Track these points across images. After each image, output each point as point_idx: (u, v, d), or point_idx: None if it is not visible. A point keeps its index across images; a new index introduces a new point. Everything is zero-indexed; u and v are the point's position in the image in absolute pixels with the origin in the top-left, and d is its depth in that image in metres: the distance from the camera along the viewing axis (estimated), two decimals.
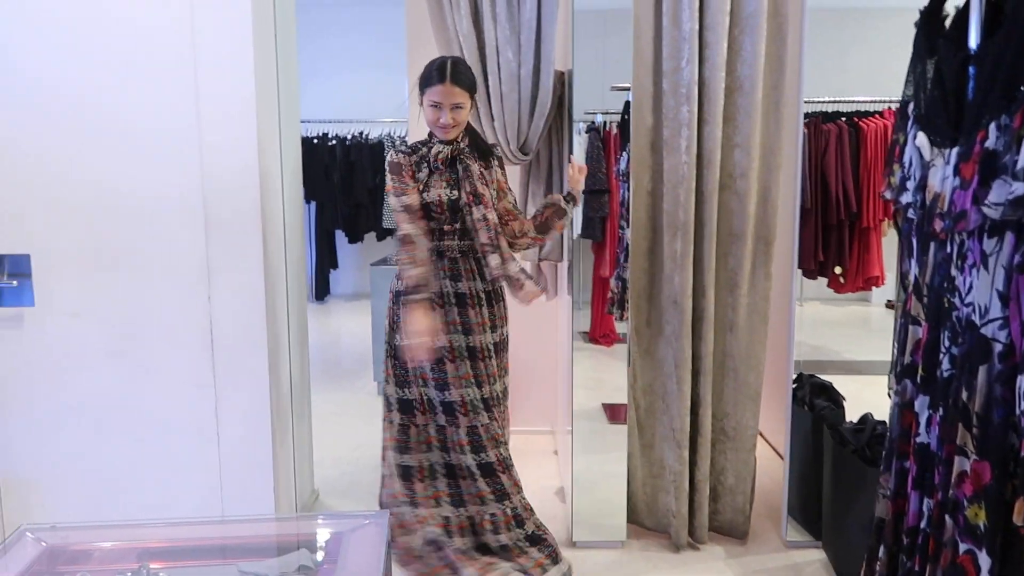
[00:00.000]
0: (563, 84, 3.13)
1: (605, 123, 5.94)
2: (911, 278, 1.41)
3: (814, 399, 3.05)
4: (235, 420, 2.79)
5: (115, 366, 2.77)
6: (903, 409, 1.43)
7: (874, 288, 5.22)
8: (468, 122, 2.64)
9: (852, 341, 6.36)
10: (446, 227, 2.60)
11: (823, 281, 5.24)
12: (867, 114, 5.02)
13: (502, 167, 2.76)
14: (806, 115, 4.85)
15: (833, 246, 5.12)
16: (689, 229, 2.77)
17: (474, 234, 2.58)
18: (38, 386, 2.78)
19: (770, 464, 3.48)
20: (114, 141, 2.68)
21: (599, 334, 6.05)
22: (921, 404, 1.34)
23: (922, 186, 1.31)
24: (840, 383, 3.29)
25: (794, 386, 3.07)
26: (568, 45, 2.98)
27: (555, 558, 2.70)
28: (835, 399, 3.04)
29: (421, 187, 2.55)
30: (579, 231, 6.13)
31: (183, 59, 2.65)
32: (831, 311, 6.69)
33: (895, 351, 1.59)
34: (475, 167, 2.58)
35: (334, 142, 7.48)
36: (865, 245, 5.10)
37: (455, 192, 2.55)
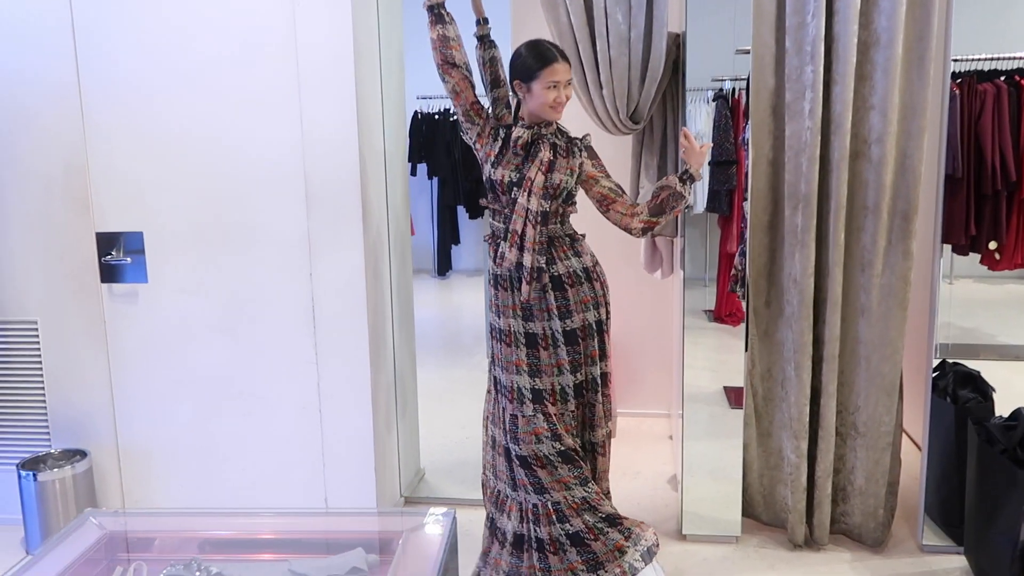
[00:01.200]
0: (678, 47, 2.91)
1: (734, 90, 5.62)
2: None
3: (958, 390, 2.74)
4: (337, 397, 2.78)
5: (222, 342, 2.81)
6: None
7: None
8: None
9: (1008, 323, 5.80)
10: (506, 206, 2.44)
11: (975, 257, 4.78)
12: None
13: (592, 156, 2.54)
14: (958, 74, 4.40)
15: (988, 219, 4.63)
16: (811, 202, 2.52)
17: (512, 219, 2.40)
18: (152, 361, 2.86)
19: (907, 458, 3.17)
20: (221, 118, 2.70)
21: (725, 312, 5.76)
22: None
23: None
24: (993, 369, 2.94)
25: (935, 375, 2.77)
26: (683, 5, 2.77)
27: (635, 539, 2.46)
28: (983, 390, 2.72)
29: (492, 157, 2.41)
30: (704, 204, 5.86)
31: (285, 49, 2.64)
32: (985, 290, 6.12)
33: None
34: (546, 154, 2.38)
35: (455, 117, 7.44)
36: None
37: (515, 174, 2.39)
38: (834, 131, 2.50)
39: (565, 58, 2.41)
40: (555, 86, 2.35)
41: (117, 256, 2.79)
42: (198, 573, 1.56)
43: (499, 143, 2.43)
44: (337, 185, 2.67)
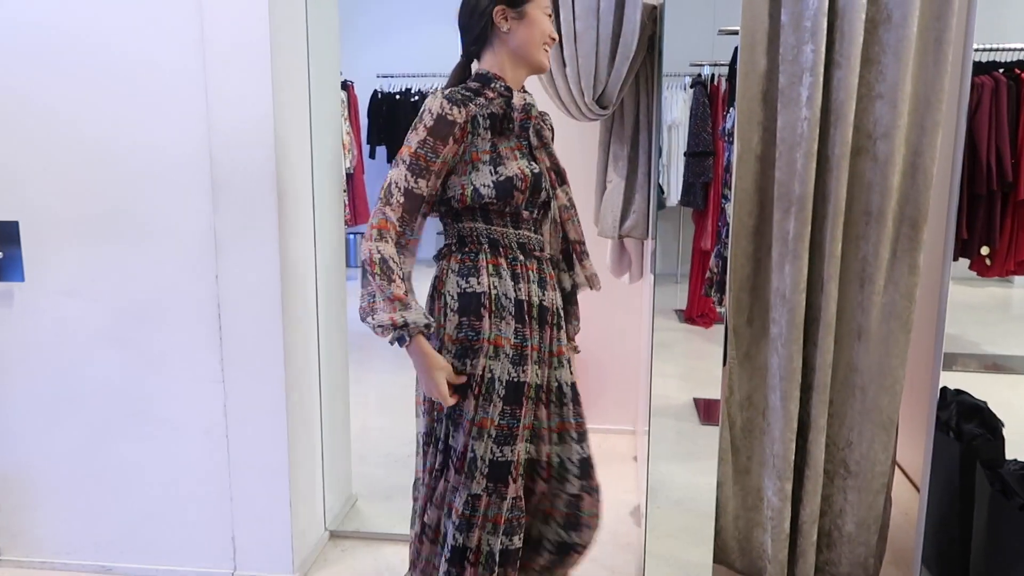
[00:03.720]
0: (655, 22, 2.52)
1: (713, 75, 5.26)
2: None
3: (963, 423, 2.40)
4: (247, 419, 2.38)
5: (114, 353, 2.40)
6: None
7: None
8: None
9: (992, 330, 5.54)
10: (524, 213, 1.82)
11: (963, 262, 4.48)
12: None
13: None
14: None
15: (980, 222, 4.33)
16: (806, 205, 2.14)
17: (557, 227, 1.92)
18: (30, 373, 2.43)
19: (903, 498, 2.84)
20: (113, 94, 2.27)
21: (697, 313, 5.41)
22: None
23: None
24: (979, 382, 2.63)
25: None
26: None
27: None
28: (991, 425, 2.37)
29: (485, 157, 1.76)
30: (679, 197, 5.49)
31: (187, 13, 2.21)
32: (968, 293, 5.86)
33: None
34: (547, 130, 1.91)
35: (416, 98, 7.02)
36: (1020, 221, 4.29)
37: (534, 164, 1.83)
38: (834, 123, 2.12)
39: None
40: (550, 17, 1.83)
41: None
42: None
43: (486, 131, 1.77)
44: (249, 173, 2.25)
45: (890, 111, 2.10)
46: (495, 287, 1.76)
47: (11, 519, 2.53)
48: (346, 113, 6.29)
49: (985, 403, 2.45)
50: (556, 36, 1.83)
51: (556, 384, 1.87)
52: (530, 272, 1.82)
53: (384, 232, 1.68)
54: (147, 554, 2.48)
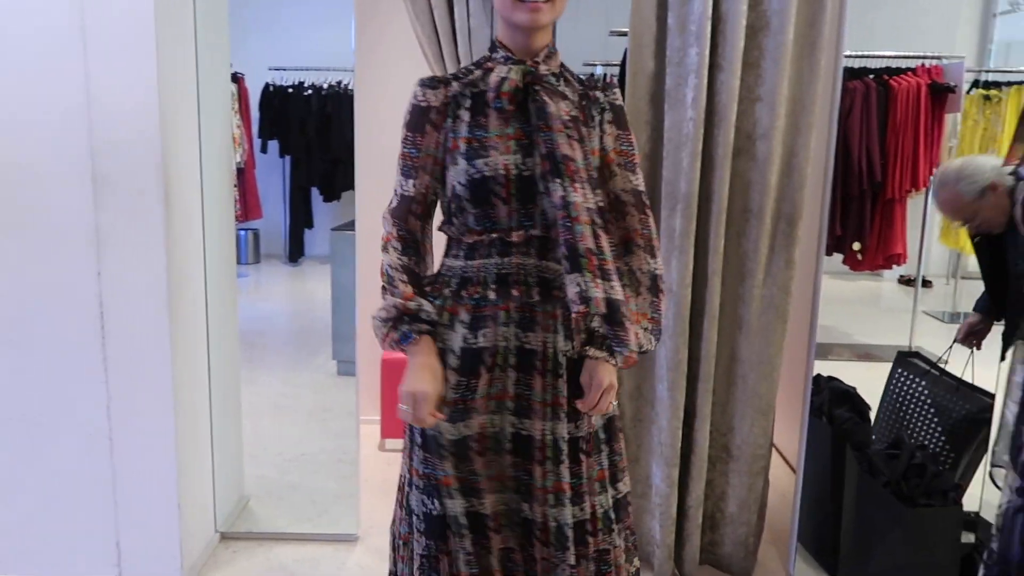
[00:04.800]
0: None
1: (605, 75, 5.37)
2: None
3: (834, 408, 2.55)
4: (132, 421, 2.30)
5: None
6: None
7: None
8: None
9: (863, 321, 5.86)
10: (514, 228, 1.52)
11: (837, 258, 4.73)
12: (897, 71, 4.46)
13: (622, 125, 1.64)
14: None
15: (852, 219, 4.59)
16: (692, 202, 2.23)
17: (556, 234, 1.48)
18: None
19: (780, 479, 2.99)
20: None
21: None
22: None
23: None
24: (851, 370, 2.81)
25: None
26: None
27: None
28: (860, 409, 2.54)
29: (462, 146, 1.51)
30: None
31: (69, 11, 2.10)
32: (841, 287, 6.18)
33: (1008, 414, 1.07)
34: (557, 107, 1.47)
35: (310, 92, 6.88)
36: (888, 219, 4.57)
37: (527, 159, 1.50)
38: (717, 124, 2.22)
39: None
40: None
41: None
42: None
43: (466, 112, 1.52)
44: (134, 167, 2.17)
45: (769, 113, 2.21)
46: (441, 339, 1.56)
47: None
48: (236, 106, 6.12)
49: (855, 389, 2.61)
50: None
51: (551, 438, 1.57)
52: (503, 313, 1.54)
53: (386, 244, 1.56)
54: (27, 563, 2.37)
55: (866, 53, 4.46)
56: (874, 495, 2.17)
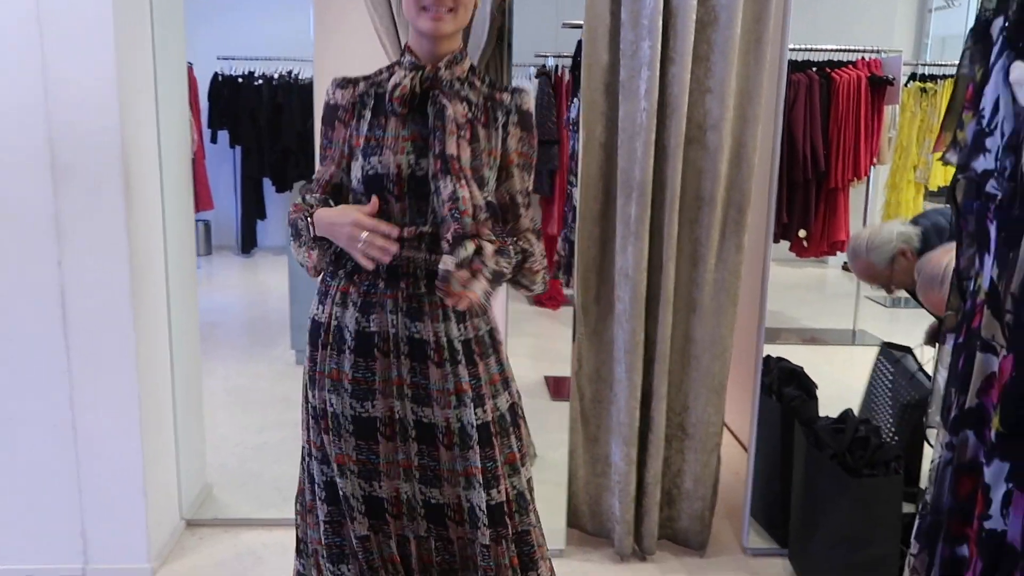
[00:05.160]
0: (503, 14, 2.62)
1: (557, 67, 5.44)
2: (983, 282, 0.99)
3: (783, 387, 2.66)
4: (95, 411, 2.31)
5: None
6: (960, 472, 1.03)
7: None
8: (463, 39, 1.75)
9: (809, 306, 6.06)
10: (405, 224, 1.59)
11: (784, 245, 4.88)
12: (839, 64, 4.61)
13: (527, 127, 1.69)
14: None
15: (798, 208, 4.75)
16: (646, 191, 2.32)
17: (440, 222, 1.53)
18: None
19: (733, 458, 3.10)
20: None
21: (545, 296, 5.64)
22: (996, 473, 0.94)
23: (1014, 145, 0.89)
24: (799, 353, 2.93)
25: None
26: None
27: None
28: (807, 387, 2.66)
29: (361, 143, 1.60)
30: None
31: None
32: (787, 273, 6.37)
33: (939, 379, 1.17)
34: (454, 109, 1.56)
35: (260, 82, 6.83)
36: (832, 207, 4.74)
37: (420, 159, 1.57)
38: (670, 115, 2.30)
39: None
40: None
41: None
42: None
43: (368, 112, 1.62)
44: (93, 155, 2.18)
45: (719, 105, 2.30)
46: (336, 317, 1.65)
47: None
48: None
49: (802, 368, 2.73)
50: (448, 4, 1.52)
51: (459, 425, 1.64)
52: (391, 301, 1.61)
53: (290, 213, 1.66)
54: None
55: (809, 47, 4.61)
56: (821, 467, 2.28)
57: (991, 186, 0.95)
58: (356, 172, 1.61)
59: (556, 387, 4.13)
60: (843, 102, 4.52)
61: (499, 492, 1.67)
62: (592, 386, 2.54)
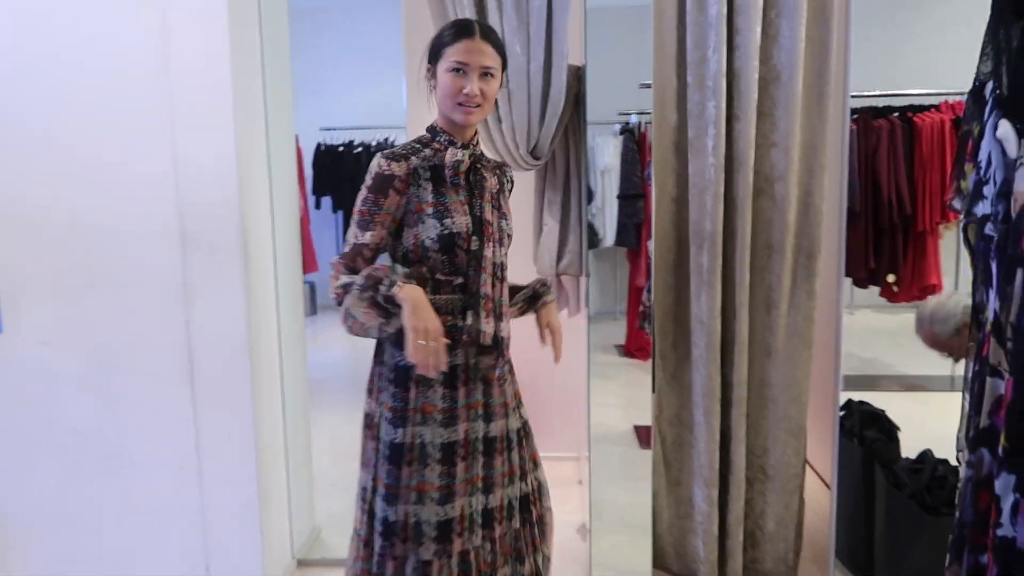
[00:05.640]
0: (579, 81, 2.83)
1: (640, 123, 5.62)
2: (989, 314, 1.09)
3: (864, 430, 2.70)
4: (218, 456, 2.55)
5: (89, 398, 2.55)
6: (978, 487, 1.11)
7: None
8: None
9: (906, 353, 5.92)
10: (447, 274, 1.90)
11: (875, 289, 4.86)
12: (921, 108, 4.63)
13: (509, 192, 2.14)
14: (853, 111, 4.48)
15: (886, 253, 4.73)
16: (717, 240, 2.44)
17: (472, 277, 1.90)
18: (10, 418, 2.57)
19: (818, 499, 3.12)
20: (84, 159, 2.48)
21: (635, 347, 5.72)
22: (1004, 485, 1.03)
23: (1005, 192, 1.00)
24: (895, 401, 2.94)
25: (842, 414, 2.72)
26: (583, 38, 2.69)
27: None
28: (888, 430, 2.69)
29: (429, 209, 1.86)
30: (614, 238, 5.79)
31: (155, 84, 2.42)
32: (883, 319, 6.27)
33: (966, 405, 1.26)
34: (492, 181, 1.99)
35: (359, 150, 7.26)
36: (921, 251, 4.71)
37: (472, 222, 1.90)
38: (737, 168, 2.44)
39: (491, 40, 1.88)
40: (462, 70, 1.84)
41: None
42: None
43: (429, 183, 1.89)
44: (215, 223, 2.46)
45: (784, 157, 2.42)
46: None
47: None
48: None
49: (883, 411, 2.77)
50: (473, 91, 1.84)
51: (506, 432, 1.98)
52: (452, 336, 1.86)
53: (332, 280, 1.85)
54: None
55: (891, 92, 4.65)
56: (901, 507, 2.32)
57: (989, 228, 1.05)
58: (428, 232, 1.85)
59: (645, 436, 4.21)
60: (927, 146, 4.52)
61: (526, 484, 2.05)
62: (673, 430, 2.65)
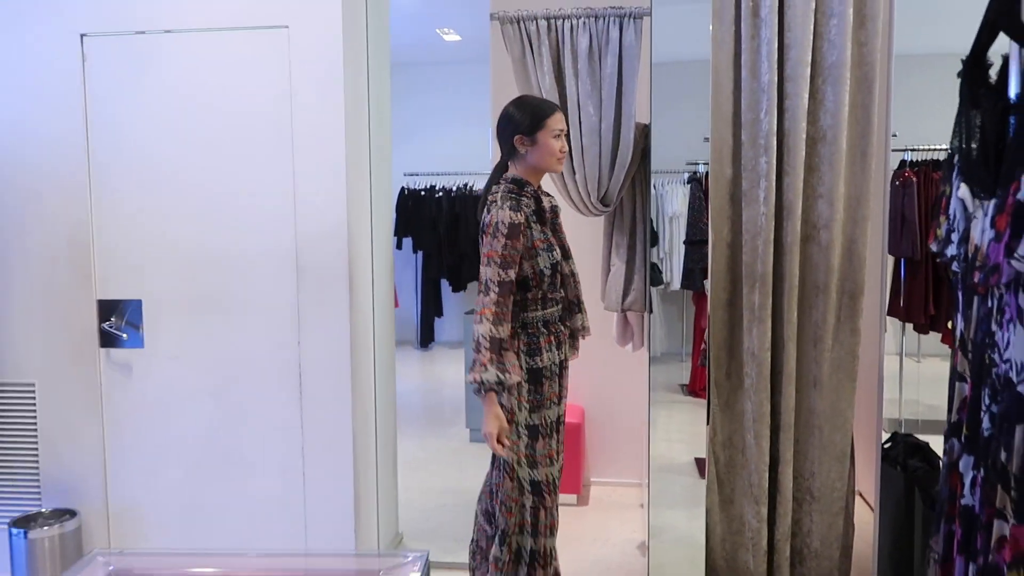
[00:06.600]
0: (646, 137, 3.16)
1: (707, 173, 5.90)
2: (958, 333, 1.35)
3: (908, 459, 2.91)
4: (320, 461, 2.91)
5: (211, 407, 2.95)
6: (950, 470, 1.36)
7: None
8: None
9: None
10: (551, 292, 2.57)
11: (937, 336, 4.98)
12: None
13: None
14: (916, 163, 4.69)
15: (946, 299, 4.87)
16: (767, 281, 2.72)
17: (568, 290, 2.66)
18: (144, 424, 2.99)
19: (866, 520, 3.30)
20: (220, 198, 2.90)
21: (699, 386, 5.94)
22: (966, 464, 1.27)
23: (965, 238, 1.26)
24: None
25: (888, 445, 2.94)
26: (650, 99, 3.02)
27: None
28: (930, 460, 2.89)
29: (541, 245, 2.49)
30: (680, 282, 6.07)
31: (281, 130, 2.85)
32: (944, 366, 6.37)
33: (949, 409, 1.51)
34: (559, 218, 2.67)
35: (440, 194, 7.72)
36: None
37: (560, 250, 2.60)
38: (786, 217, 2.72)
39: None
40: (560, 135, 2.50)
41: (117, 323, 2.95)
42: None
43: (536, 225, 2.50)
44: (326, 258, 2.86)
45: (829, 208, 2.70)
46: (550, 359, 2.54)
47: (122, 547, 3.04)
48: None
49: (927, 443, 2.97)
50: (567, 148, 2.53)
51: (559, 417, 2.62)
52: (558, 340, 2.59)
53: (482, 316, 2.34)
54: None
55: (942, 147, 4.82)
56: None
57: (955, 266, 1.31)
58: (544, 263, 2.48)
59: (704, 467, 4.43)
60: None
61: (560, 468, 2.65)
62: (725, 452, 2.90)
